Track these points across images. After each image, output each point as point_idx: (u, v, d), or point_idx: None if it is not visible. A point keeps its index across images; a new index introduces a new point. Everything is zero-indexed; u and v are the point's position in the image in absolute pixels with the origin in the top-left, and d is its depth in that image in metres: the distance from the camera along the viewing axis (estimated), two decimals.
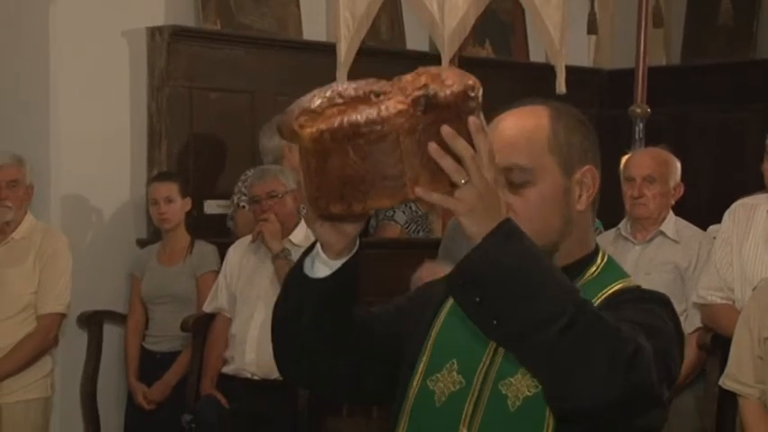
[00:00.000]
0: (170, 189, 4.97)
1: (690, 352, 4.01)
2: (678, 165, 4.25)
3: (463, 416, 1.85)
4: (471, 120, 1.64)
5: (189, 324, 4.77)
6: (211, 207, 5.53)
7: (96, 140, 5.17)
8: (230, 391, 4.52)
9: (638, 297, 1.86)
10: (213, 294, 4.74)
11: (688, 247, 4.13)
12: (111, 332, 5.12)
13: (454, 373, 1.88)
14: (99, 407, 5.02)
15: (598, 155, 1.92)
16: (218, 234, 5.22)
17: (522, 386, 1.81)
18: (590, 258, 1.91)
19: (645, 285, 1.93)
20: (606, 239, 4.31)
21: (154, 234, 5.22)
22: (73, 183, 5.15)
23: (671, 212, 4.22)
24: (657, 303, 1.85)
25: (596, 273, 1.89)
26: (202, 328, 4.75)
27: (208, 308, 4.74)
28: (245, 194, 5.00)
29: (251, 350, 4.54)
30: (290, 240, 4.59)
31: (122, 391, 5.05)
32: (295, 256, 4.48)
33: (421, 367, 1.92)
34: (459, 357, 1.89)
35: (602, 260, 1.92)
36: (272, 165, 4.94)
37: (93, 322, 5.07)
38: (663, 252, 4.15)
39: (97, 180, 5.19)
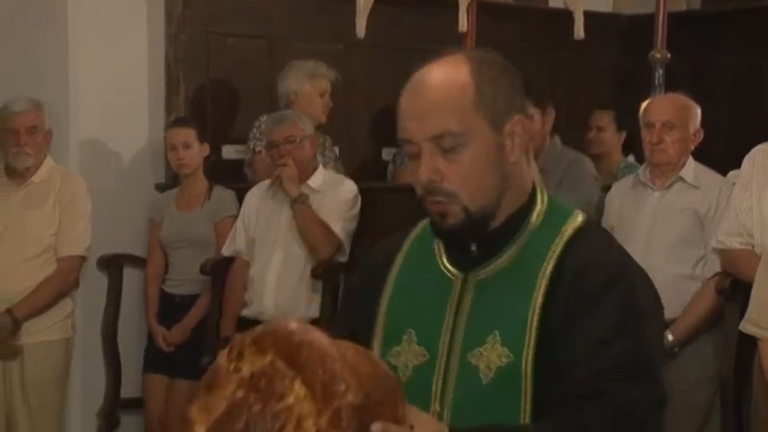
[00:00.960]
0: (188, 134, 4.97)
1: (709, 297, 4.02)
2: (698, 110, 4.24)
3: (433, 392, 1.81)
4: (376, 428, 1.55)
5: (207, 267, 4.80)
6: (229, 152, 5.54)
7: (114, 86, 5.18)
8: None
9: (605, 284, 1.78)
10: (231, 238, 4.76)
11: (707, 192, 4.12)
12: (130, 275, 5.16)
13: (414, 345, 1.85)
14: (119, 348, 5.08)
15: (524, 97, 1.88)
16: (236, 179, 5.23)
17: (492, 356, 1.78)
18: (530, 203, 1.88)
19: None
20: (624, 186, 4.31)
21: (172, 179, 5.23)
22: (91, 128, 5.16)
23: (690, 158, 4.22)
24: (621, 285, 1.79)
25: (541, 218, 1.87)
26: (221, 271, 4.78)
27: (226, 251, 4.77)
28: (260, 140, 5.01)
29: (269, 293, 4.58)
30: (308, 185, 4.60)
31: (142, 333, 5.10)
32: (313, 200, 4.52)
33: (377, 341, 1.88)
34: (415, 327, 1.85)
35: (543, 203, 1.90)
36: (289, 110, 4.94)
37: (112, 265, 5.11)
38: (682, 198, 4.14)
39: (115, 125, 5.20)
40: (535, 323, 1.77)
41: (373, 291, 1.92)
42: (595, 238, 1.88)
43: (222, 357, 1.57)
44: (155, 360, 4.96)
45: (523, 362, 1.76)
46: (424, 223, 1.96)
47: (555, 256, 1.81)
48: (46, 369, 4.63)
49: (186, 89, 5.39)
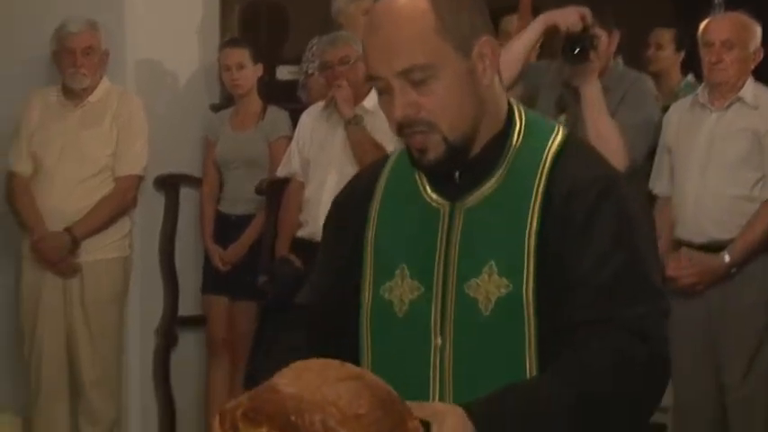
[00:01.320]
0: (241, 55, 4.97)
1: (767, 218, 3.98)
2: (758, 29, 4.16)
3: (432, 325, 1.77)
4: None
5: (263, 188, 4.83)
6: (283, 73, 5.55)
7: (169, 6, 5.17)
8: (304, 254, 4.60)
9: (595, 201, 1.75)
10: (286, 159, 4.78)
11: (767, 112, 4.07)
12: (186, 195, 5.20)
13: (408, 279, 1.81)
14: (177, 267, 5.14)
15: (487, 15, 1.82)
16: (290, 100, 5.24)
17: (490, 287, 1.75)
18: (509, 124, 1.83)
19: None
20: (683, 106, 4.25)
21: (226, 99, 5.25)
22: (147, 48, 5.17)
23: (750, 78, 4.14)
24: (611, 200, 1.76)
25: (522, 137, 1.82)
26: (276, 192, 4.81)
27: (281, 172, 4.79)
28: (313, 61, 5.00)
29: (324, 214, 4.58)
30: (363, 106, 4.59)
31: (199, 252, 5.16)
32: (367, 121, 4.52)
33: (368, 278, 1.84)
34: (407, 261, 1.81)
35: (521, 120, 1.85)
36: (343, 31, 4.92)
37: (169, 185, 5.15)
38: (740, 118, 4.08)
39: (170, 46, 5.21)
40: (533, 249, 1.74)
41: (356, 228, 1.87)
42: (580, 153, 1.84)
43: (215, 429, 1.53)
44: (213, 280, 5.02)
45: (524, 291, 1.73)
46: (398, 153, 1.91)
47: (543, 179, 1.77)
48: (105, 287, 4.71)
49: (240, 9, 5.38)
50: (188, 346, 5.21)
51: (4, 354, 5.14)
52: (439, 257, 1.79)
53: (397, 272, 1.82)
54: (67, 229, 4.61)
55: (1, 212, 4.97)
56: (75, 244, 4.62)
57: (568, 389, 1.66)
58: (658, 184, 4.19)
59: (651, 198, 4.18)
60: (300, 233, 4.67)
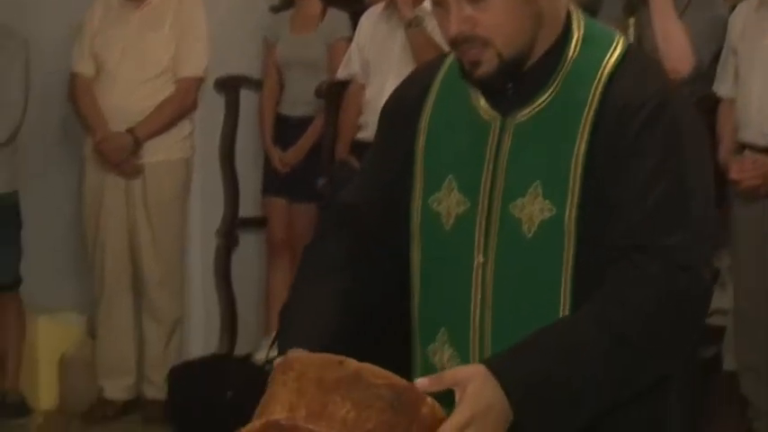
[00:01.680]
0: None
1: None
2: None
3: (475, 242, 1.75)
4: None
5: (322, 90, 4.83)
6: None
7: None
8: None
9: (646, 122, 1.70)
10: (346, 61, 4.76)
11: None
12: (246, 97, 5.21)
13: (455, 192, 1.78)
14: (237, 169, 5.18)
15: None
16: (350, 1, 5.19)
17: (534, 209, 1.72)
18: (566, 34, 1.78)
19: None
20: (749, 6, 4.16)
21: (286, 0, 5.22)
22: None
23: None
24: (664, 120, 1.70)
25: (579, 48, 1.77)
26: (336, 94, 4.80)
27: (341, 74, 4.78)
28: None
29: None
30: (423, 8, 4.54)
31: (259, 154, 5.18)
32: (427, 23, 4.47)
33: (417, 186, 1.81)
34: (455, 173, 1.78)
35: (579, 29, 1.79)
36: None
37: (229, 86, 5.16)
38: None
39: None
40: (579, 175, 1.71)
41: (407, 134, 1.84)
42: (638, 66, 1.77)
43: None
44: (273, 183, 5.05)
45: (566, 216, 1.70)
46: (451, 59, 1.87)
47: (597, 93, 1.72)
48: (167, 188, 4.76)
49: None
50: (249, 247, 5.26)
51: (69, 254, 5.23)
52: (486, 173, 1.76)
53: (445, 183, 1.79)
54: (130, 130, 4.65)
55: (64, 114, 5.03)
56: (138, 145, 4.66)
57: (602, 331, 1.62)
58: (723, 86, 4.12)
59: (715, 100, 4.12)
60: (360, 135, 4.67)
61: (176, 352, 4.92)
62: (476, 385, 1.55)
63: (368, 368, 1.50)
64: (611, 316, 1.63)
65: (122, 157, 4.65)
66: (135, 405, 4.93)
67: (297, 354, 1.59)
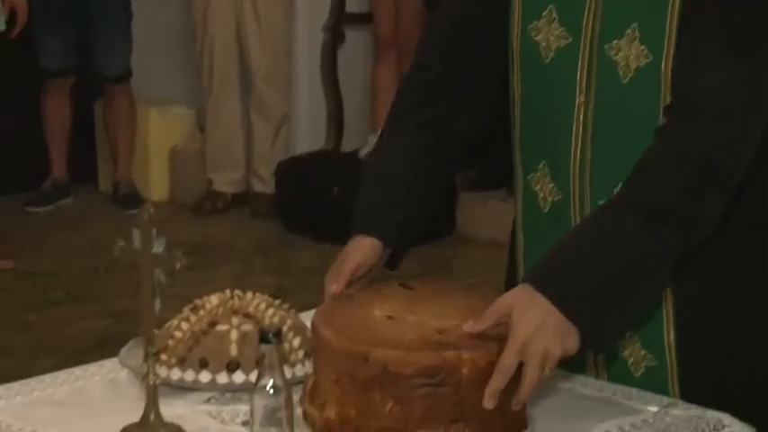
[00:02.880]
0: None
1: None
2: None
3: (577, 80, 1.68)
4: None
5: None
6: None
7: None
8: None
9: None
10: None
11: None
12: None
13: (555, 24, 1.69)
14: None
15: None
16: None
17: (631, 54, 1.63)
18: None
19: None
20: None
21: None
22: None
23: None
24: None
25: None
26: None
27: None
28: None
29: None
30: None
31: None
32: None
33: (516, 12, 1.72)
34: (556, 3, 1.69)
35: None
36: None
37: None
38: None
39: None
40: (675, 22, 1.61)
41: None
42: None
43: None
44: None
45: (663, 65, 1.61)
46: None
47: None
48: None
49: None
50: (356, 42, 5.23)
51: (177, 50, 5.27)
52: (589, 9, 1.67)
53: (545, 13, 1.71)
54: None
55: None
56: None
57: (638, 214, 1.54)
58: None
59: None
60: None
61: (284, 148, 4.99)
62: (521, 307, 1.51)
63: (393, 359, 1.46)
64: (643, 194, 1.56)
65: None
66: (243, 198, 5.03)
67: (327, 333, 1.56)
